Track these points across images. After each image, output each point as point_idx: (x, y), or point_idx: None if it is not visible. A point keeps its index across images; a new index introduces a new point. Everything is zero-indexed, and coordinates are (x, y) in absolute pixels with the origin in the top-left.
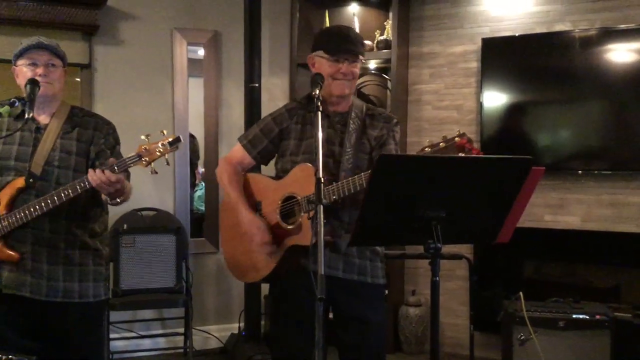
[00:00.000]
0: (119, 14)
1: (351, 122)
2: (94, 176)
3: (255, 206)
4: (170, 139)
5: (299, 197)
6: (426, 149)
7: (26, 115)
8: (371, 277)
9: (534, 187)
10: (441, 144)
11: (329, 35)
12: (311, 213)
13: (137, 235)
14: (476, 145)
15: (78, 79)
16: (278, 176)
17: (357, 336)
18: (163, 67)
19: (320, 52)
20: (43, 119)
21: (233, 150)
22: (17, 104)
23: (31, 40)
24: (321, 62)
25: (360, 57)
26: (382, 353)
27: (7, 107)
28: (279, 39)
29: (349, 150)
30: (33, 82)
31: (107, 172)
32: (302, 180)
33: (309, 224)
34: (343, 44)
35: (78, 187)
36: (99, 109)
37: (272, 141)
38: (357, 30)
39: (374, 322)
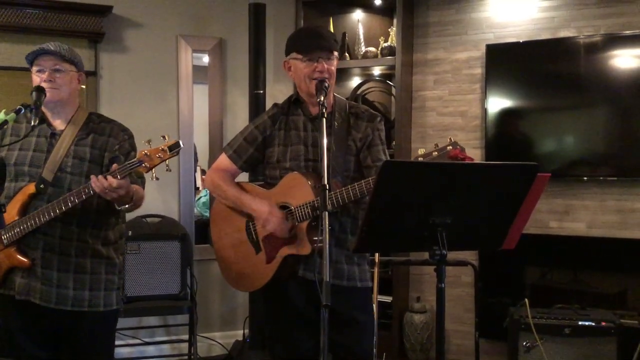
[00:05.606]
0: (124, 22)
1: (336, 123)
2: (96, 182)
3: (248, 215)
4: (170, 144)
5: (292, 207)
6: (419, 158)
7: (32, 122)
8: (360, 280)
9: (540, 194)
10: (434, 152)
11: (300, 36)
12: (305, 222)
13: (142, 241)
14: (480, 151)
15: (83, 86)
16: (267, 183)
17: (350, 337)
18: (168, 74)
19: (294, 54)
20: (59, 124)
21: (219, 162)
22: (22, 111)
23: (38, 47)
24: (296, 64)
25: (335, 53)
26: (372, 350)
27: (12, 115)
28: (284, 45)
29: (337, 154)
30: (38, 89)
31: (109, 177)
32: (293, 189)
33: (305, 233)
34: (315, 41)
35: (83, 193)
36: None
37: (257, 149)
38: (362, 37)
39: (365, 322)
